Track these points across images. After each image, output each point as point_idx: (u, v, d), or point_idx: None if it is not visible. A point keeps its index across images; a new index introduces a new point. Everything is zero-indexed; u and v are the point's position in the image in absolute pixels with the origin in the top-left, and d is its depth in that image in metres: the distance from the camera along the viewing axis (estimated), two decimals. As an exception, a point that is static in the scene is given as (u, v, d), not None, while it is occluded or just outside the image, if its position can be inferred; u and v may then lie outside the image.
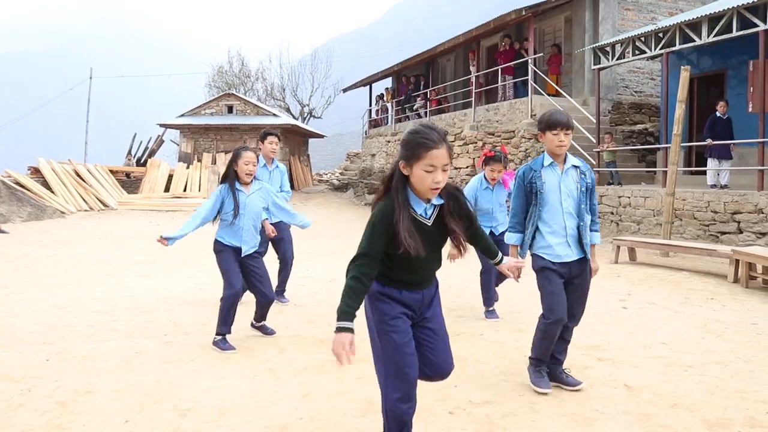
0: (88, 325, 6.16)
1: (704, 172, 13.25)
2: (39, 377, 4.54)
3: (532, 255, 4.32)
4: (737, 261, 8.48)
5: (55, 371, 4.69)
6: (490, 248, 3.45)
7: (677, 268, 9.67)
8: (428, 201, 2.93)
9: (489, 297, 6.49)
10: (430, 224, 2.94)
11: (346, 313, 2.90)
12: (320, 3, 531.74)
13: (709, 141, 12.06)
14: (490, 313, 6.46)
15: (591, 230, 4.28)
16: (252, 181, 5.53)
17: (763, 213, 10.51)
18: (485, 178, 6.40)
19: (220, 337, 5.35)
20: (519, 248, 4.33)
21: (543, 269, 4.23)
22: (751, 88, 12.29)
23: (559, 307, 4.17)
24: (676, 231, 11.73)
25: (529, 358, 4.39)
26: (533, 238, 4.27)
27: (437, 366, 3.16)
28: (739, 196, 10.97)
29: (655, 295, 7.72)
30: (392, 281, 3.03)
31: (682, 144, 11.82)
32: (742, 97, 12.75)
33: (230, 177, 5.43)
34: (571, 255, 4.19)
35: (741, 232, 10.81)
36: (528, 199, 4.26)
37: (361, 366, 4.81)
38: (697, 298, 7.57)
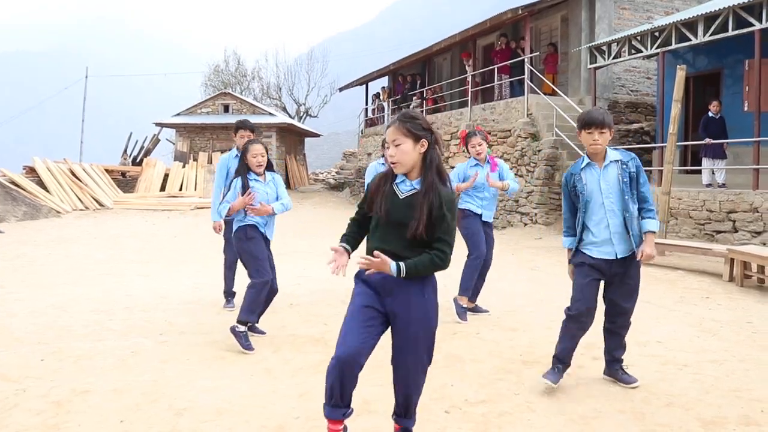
0: (84, 324, 6.15)
1: (700, 172, 13.29)
2: (34, 377, 4.54)
3: (576, 252, 4.31)
4: (732, 260, 8.50)
5: (50, 371, 4.68)
6: (416, 265, 3.08)
7: (673, 267, 9.69)
8: (412, 181, 3.16)
9: (466, 288, 6.39)
10: (400, 198, 3.14)
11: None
12: (316, 2, 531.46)
13: (707, 141, 12.07)
14: (461, 309, 6.33)
15: (645, 217, 4.21)
16: (264, 172, 5.67)
17: (758, 212, 10.54)
18: (474, 157, 6.55)
19: (244, 329, 5.30)
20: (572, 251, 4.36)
21: (581, 264, 4.26)
22: (747, 88, 12.31)
23: (582, 301, 4.18)
24: (672, 230, 11.76)
25: (553, 356, 4.37)
26: (580, 238, 4.29)
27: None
28: (734, 195, 11.00)
29: (650, 293, 7.74)
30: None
31: (677, 143, 11.84)
32: (737, 96, 12.78)
33: (242, 169, 5.56)
34: (613, 253, 4.17)
35: (736, 231, 10.84)
36: (573, 203, 4.30)
37: (357, 365, 4.81)
38: (692, 296, 7.59)
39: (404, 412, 3.34)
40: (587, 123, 4.13)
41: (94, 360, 4.97)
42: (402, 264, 3.05)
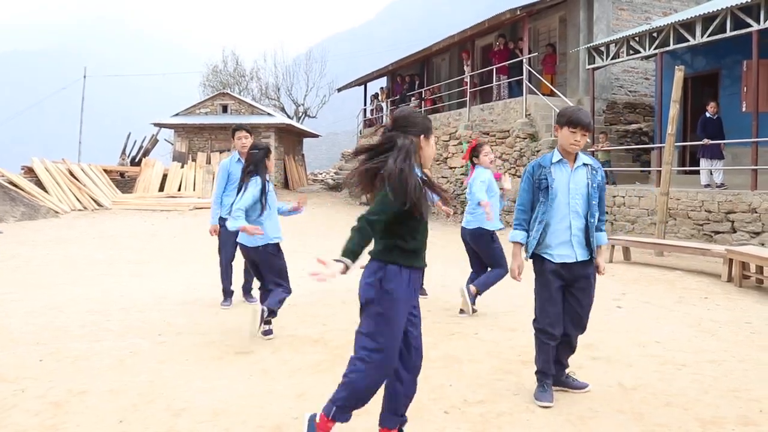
0: (81, 325, 6.14)
1: (698, 172, 13.30)
2: (32, 377, 4.53)
3: (533, 255, 4.16)
4: (731, 260, 8.51)
5: (48, 371, 4.67)
6: (346, 245, 3.12)
7: (671, 268, 9.70)
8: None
9: (485, 285, 6.43)
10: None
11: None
12: (315, 2, 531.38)
13: (705, 141, 12.06)
14: (470, 295, 6.37)
15: (599, 230, 4.15)
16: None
17: (756, 212, 10.55)
18: (485, 166, 6.56)
19: (267, 328, 5.64)
20: (523, 247, 4.18)
21: (542, 272, 4.11)
22: (745, 88, 12.32)
23: (551, 317, 4.06)
24: (670, 230, 11.77)
25: (535, 372, 4.23)
26: (538, 240, 4.10)
27: None
28: (732, 195, 11.01)
29: (649, 294, 7.74)
30: None
31: (676, 144, 11.85)
32: (735, 96, 12.79)
33: (263, 172, 5.64)
34: (572, 256, 4.05)
35: (735, 232, 10.84)
36: (535, 196, 4.12)
37: (355, 365, 4.81)
38: (691, 297, 7.60)
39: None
40: (574, 122, 3.99)
41: (91, 360, 4.96)
42: (341, 257, 3.04)
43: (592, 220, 4.06)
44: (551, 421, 3.77)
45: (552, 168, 4.06)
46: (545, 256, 4.08)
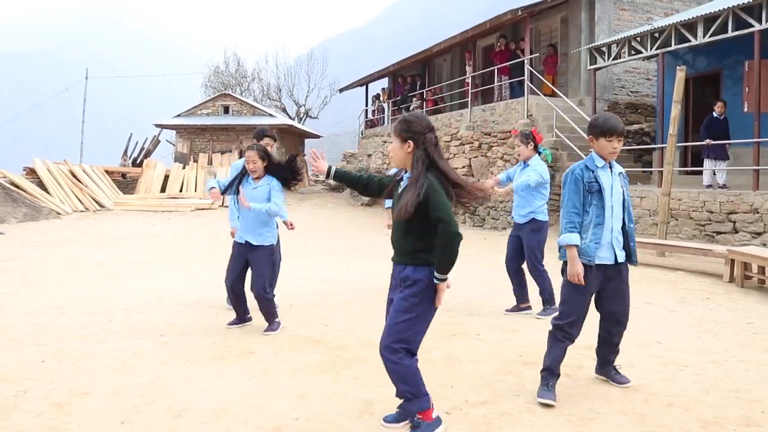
0: (83, 325, 6.15)
1: (700, 172, 13.29)
2: (34, 378, 4.53)
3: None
4: (733, 261, 8.50)
5: (50, 372, 4.68)
6: (438, 260, 3.43)
7: (673, 268, 9.69)
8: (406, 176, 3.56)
9: (521, 294, 6.70)
10: (399, 192, 3.57)
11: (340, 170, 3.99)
12: (316, 3, 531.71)
13: (707, 141, 12.02)
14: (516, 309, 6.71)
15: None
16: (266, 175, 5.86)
17: (758, 213, 10.54)
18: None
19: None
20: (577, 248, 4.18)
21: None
22: (747, 88, 12.33)
23: (573, 318, 4.16)
24: (672, 231, 11.76)
25: (541, 370, 4.25)
26: (596, 240, 4.15)
27: None
28: (734, 196, 11.00)
29: (651, 294, 7.74)
30: None
31: (677, 144, 11.83)
32: (737, 97, 12.78)
33: (241, 172, 5.84)
34: (610, 258, 4.16)
35: (737, 232, 10.83)
36: (586, 200, 4.17)
37: (357, 366, 4.82)
38: (692, 297, 7.59)
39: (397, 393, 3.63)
40: (610, 131, 4.08)
41: (93, 361, 4.97)
42: (438, 276, 3.40)
43: (632, 225, 4.25)
44: (553, 421, 3.77)
45: (599, 171, 4.17)
46: (583, 259, 4.14)
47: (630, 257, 4.25)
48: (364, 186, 3.94)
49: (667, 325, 6.22)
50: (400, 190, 3.56)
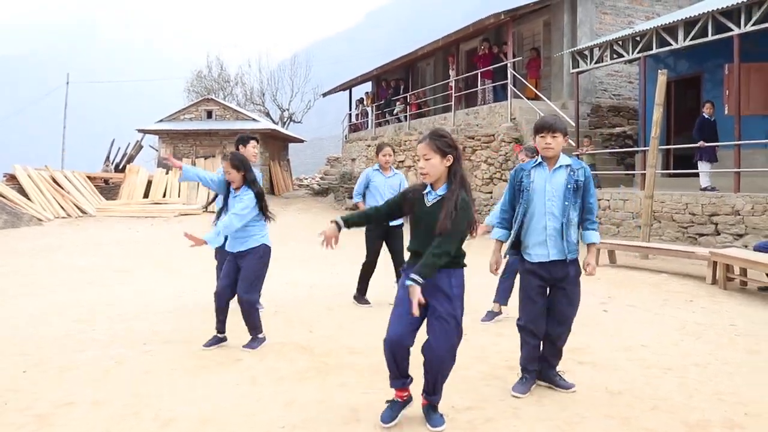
0: (66, 334, 6.08)
1: (682, 175, 13.40)
2: (15, 389, 4.47)
3: (517, 254, 4.44)
4: (715, 263, 8.57)
5: (32, 383, 4.62)
6: (423, 266, 3.57)
7: (657, 271, 9.76)
8: (436, 191, 3.73)
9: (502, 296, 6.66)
10: (427, 206, 3.72)
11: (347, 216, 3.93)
12: (299, 8, 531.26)
13: (701, 143, 12.04)
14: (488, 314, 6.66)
15: (587, 228, 4.36)
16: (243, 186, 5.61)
17: (739, 215, 10.64)
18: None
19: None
20: (503, 244, 4.48)
21: (524, 272, 4.38)
22: (727, 91, 12.44)
23: (529, 315, 4.32)
24: (655, 233, 11.84)
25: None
26: (519, 240, 4.37)
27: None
28: (716, 198, 11.10)
29: (634, 297, 7.79)
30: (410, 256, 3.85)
31: (660, 147, 11.92)
32: (717, 100, 12.89)
33: (227, 184, 5.73)
34: (547, 256, 4.24)
35: (719, 234, 10.93)
36: (516, 197, 4.37)
37: (343, 373, 4.80)
38: (676, 300, 7.64)
39: (432, 389, 3.79)
40: (539, 128, 4.28)
41: (76, 371, 4.91)
42: (414, 276, 3.52)
43: (565, 221, 4.22)
44: (538, 426, 3.78)
45: (532, 170, 4.31)
46: (525, 255, 4.35)
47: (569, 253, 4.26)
48: (381, 217, 4.03)
49: (650, 328, 6.25)
50: (429, 204, 3.71)
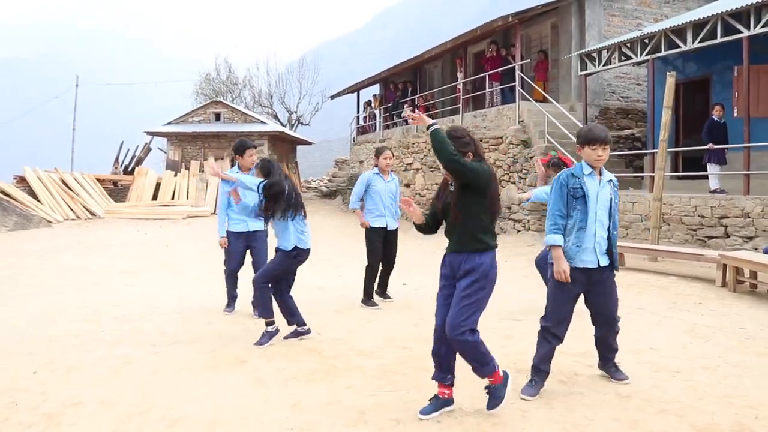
0: (75, 335, 6.11)
1: (691, 177, 13.34)
2: (25, 389, 4.50)
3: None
4: (725, 265, 8.53)
5: (41, 383, 4.64)
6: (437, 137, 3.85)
7: (665, 273, 9.71)
8: None
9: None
10: (449, 200, 3.99)
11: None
12: (306, 10, 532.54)
13: (710, 146, 11.98)
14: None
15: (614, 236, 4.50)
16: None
17: (749, 217, 10.58)
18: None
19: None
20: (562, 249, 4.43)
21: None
22: (736, 94, 12.39)
23: (559, 319, 4.41)
24: (664, 236, 11.79)
25: (531, 366, 4.53)
26: (578, 243, 4.39)
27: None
28: (725, 200, 11.04)
29: (643, 300, 7.75)
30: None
31: (668, 149, 11.87)
32: (726, 102, 12.83)
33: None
34: (595, 262, 4.36)
35: (728, 237, 10.87)
36: (570, 204, 4.39)
37: (350, 375, 4.80)
38: (684, 303, 7.60)
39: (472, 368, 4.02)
40: (592, 140, 4.33)
41: (85, 371, 4.93)
42: (434, 126, 3.80)
43: (615, 232, 4.45)
44: (546, 429, 3.77)
45: (584, 179, 4.38)
46: (569, 262, 4.37)
47: (612, 264, 4.44)
48: (438, 222, 4.19)
49: (659, 330, 6.23)
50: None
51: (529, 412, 4.03)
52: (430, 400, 4.02)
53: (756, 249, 9.92)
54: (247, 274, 7.01)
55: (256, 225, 6.85)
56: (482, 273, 3.90)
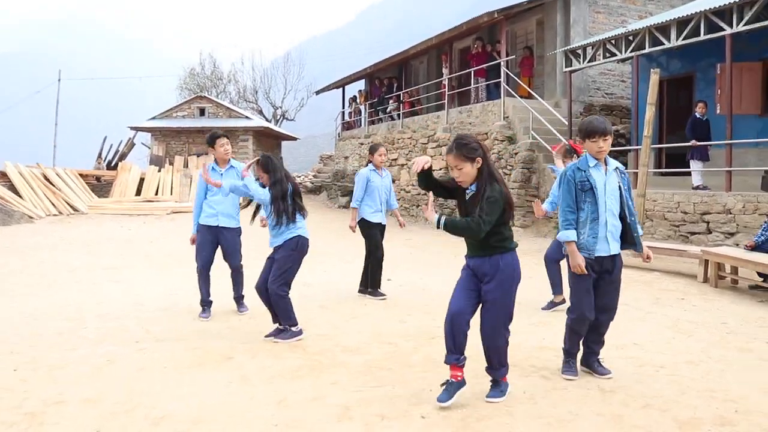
0: (57, 332, 6.06)
1: (674, 174, 13.44)
2: (6, 388, 4.45)
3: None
4: (706, 261, 8.61)
5: (23, 381, 4.60)
6: (453, 222, 4.01)
7: (649, 269, 9.77)
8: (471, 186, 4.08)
9: (555, 284, 6.98)
10: (467, 199, 4.08)
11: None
12: (292, 5, 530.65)
13: (693, 142, 12.08)
14: (549, 304, 7.02)
15: (636, 223, 4.61)
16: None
17: (731, 213, 10.69)
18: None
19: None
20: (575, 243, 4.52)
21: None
22: (719, 91, 12.48)
23: (585, 306, 4.50)
24: (647, 231, 11.88)
25: (562, 349, 4.75)
26: (593, 234, 4.49)
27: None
28: (708, 197, 11.14)
29: (627, 295, 7.78)
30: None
31: (652, 146, 11.95)
32: (709, 99, 12.94)
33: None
34: (606, 251, 4.49)
35: (710, 233, 10.98)
36: (579, 197, 4.49)
37: (335, 371, 4.80)
38: (668, 298, 7.67)
39: (489, 364, 4.22)
40: (591, 132, 4.43)
41: (68, 369, 4.89)
42: (443, 218, 3.94)
43: (632, 218, 4.56)
44: (531, 424, 3.79)
45: (590, 171, 4.49)
46: (584, 253, 4.49)
47: (635, 246, 4.61)
48: (443, 192, 4.25)
49: (643, 326, 6.28)
50: (468, 198, 4.08)
51: (514, 407, 4.05)
52: (442, 385, 4.09)
53: (737, 245, 10.01)
54: (221, 274, 6.99)
55: (228, 221, 6.78)
56: (507, 275, 4.05)
